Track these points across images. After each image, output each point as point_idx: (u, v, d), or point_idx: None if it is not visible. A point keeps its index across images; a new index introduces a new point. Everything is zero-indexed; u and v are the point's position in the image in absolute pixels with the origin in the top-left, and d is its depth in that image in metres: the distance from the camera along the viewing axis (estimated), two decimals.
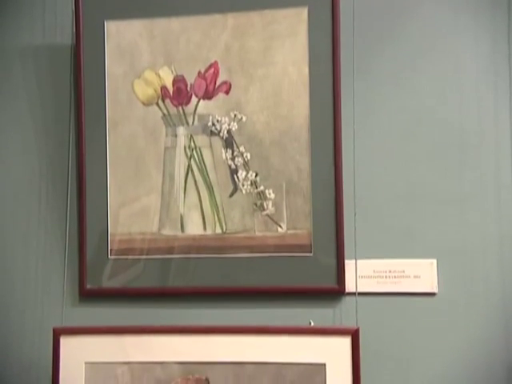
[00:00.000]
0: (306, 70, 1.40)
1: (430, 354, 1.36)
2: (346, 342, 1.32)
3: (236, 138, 1.42)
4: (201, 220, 1.44)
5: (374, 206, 1.40)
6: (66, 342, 1.39)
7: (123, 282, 1.45)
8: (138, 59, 1.46)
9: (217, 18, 1.43)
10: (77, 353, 1.38)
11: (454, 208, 1.38)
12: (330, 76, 1.39)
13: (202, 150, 1.44)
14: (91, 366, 1.38)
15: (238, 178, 1.42)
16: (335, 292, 1.39)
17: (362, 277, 1.39)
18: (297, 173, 1.40)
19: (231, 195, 1.43)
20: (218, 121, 1.43)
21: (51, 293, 1.48)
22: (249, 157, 1.42)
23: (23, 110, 1.52)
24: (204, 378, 1.35)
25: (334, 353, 1.32)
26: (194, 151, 1.44)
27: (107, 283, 1.45)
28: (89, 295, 1.46)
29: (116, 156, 1.46)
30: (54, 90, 1.51)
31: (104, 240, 1.45)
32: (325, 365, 1.32)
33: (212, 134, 1.43)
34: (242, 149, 1.42)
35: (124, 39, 1.47)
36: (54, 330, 1.39)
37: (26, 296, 1.49)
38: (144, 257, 1.44)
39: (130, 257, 1.45)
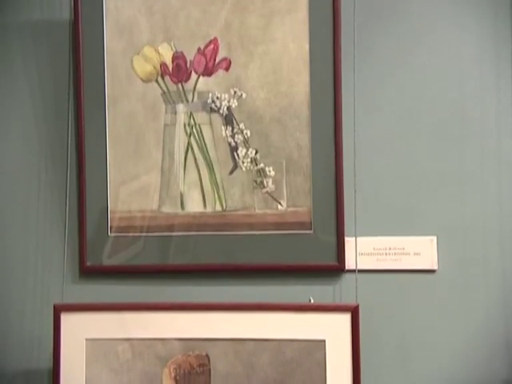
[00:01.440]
0: (307, 47, 1.39)
1: (429, 331, 1.37)
2: (345, 319, 1.32)
3: (236, 115, 1.41)
4: (201, 197, 1.44)
5: (375, 183, 1.40)
6: (66, 319, 1.39)
7: (123, 259, 1.45)
8: (137, 35, 1.45)
9: None
10: (77, 329, 1.38)
11: (454, 185, 1.38)
12: (331, 53, 1.38)
13: (201, 127, 1.44)
14: (92, 342, 1.39)
15: (237, 155, 1.42)
16: (335, 269, 1.39)
17: (361, 254, 1.39)
18: (297, 150, 1.40)
19: (231, 172, 1.43)
20: (217, 98, 1.42)
21: (51, 270, 1.48)
22: (249, 134, 1.41)
23: (21, 86, 1.51)
24: (204, 354, 1.36)
25: (334, 329, 1.32)
26: (194, 128, 1.44)
27: (107, 261, 1.45)
28: (89, 272, 1.46)
29: (115, 133, 1.45)
30: (53, 66, 1.50)
31: (104, 217, 1.45)
32: (324, 341, 1.33)
33: (212, 111, 1.43)
34: (241, 126, 1.42)
35: (123, 15, 1.45)
36: (54, 307, 1.39)
37: (26, 273, 1.50)
38: (144, 234, 1.44)
39: (130, 234, 1.45)
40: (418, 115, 1.39)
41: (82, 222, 1.46)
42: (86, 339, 1.39)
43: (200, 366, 1.36)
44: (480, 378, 1.35)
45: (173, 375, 1.36)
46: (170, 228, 1.44)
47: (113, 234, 1.45)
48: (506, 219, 1.36)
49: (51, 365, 1.38)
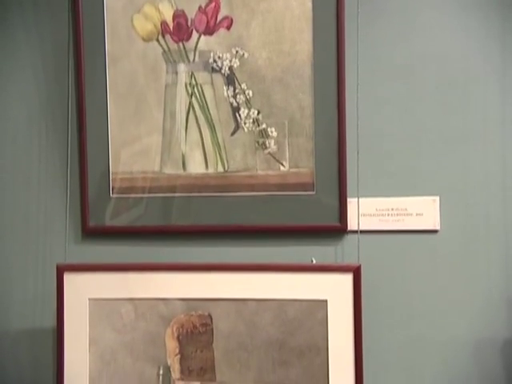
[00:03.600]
0: (309, 4, 1.37)
1: (430, 291, 1.37)
2: (347, 279, 1.33)
3: (238, 74, 1.40)
4: (202, 158, 1.43)
5: (377, 143, 1.39)
6: (69, 279, 1.40)
7: (126, 220, 1.45)
8: None
9: None
10: (80, 289, 1.40)
11: (457, 145, 1.37)
12: (334, 10, 1.36)
13: (203, 87, 1.42)
14: (95, 302, 1.40)
15: (239, 115, 1.41)
16: (337, 230, 1.39)
17: (364, 215, 1.38)
18: (299, 111, 1.39)
19: (233, 133, 1.42)
20: (219, 57, 1.40)
21: (54, 231, 1.49)
22: (251, 94, 1.40)
23: (21, 44, 1.49)
24: (207, 314, 1.37)
25: (336, 289, 1.33)
26: (195, 88, 1.42)
27: (110, 222, 1.45)
28: (91, 233, 1.46)
29: (116, 93, 1.44)
30: (53, 25, 1.47)
31: (105, 178, 1.45)
32: (326, 301, 1.33)
33: (213, 70, 1.41)
34: (243, 86, 1.40)
35: None
36: (57, 267, 1.40)
37: (28, 234, 1.50)
38: (146, 195, 1.44)
39: (132, 195, 1.44)
40: (421, 75, 1.37)
41: (84, 183, 1.45)
42: (89, 299, 1.40)
43: (202, 325, 1.37)
44: (481, 336, 1.36)
45: (175, 335, 1.37)
46: (172, 189, 1.43)
47: (115, 195, 1.45)
48: (508, 179, 1.36)
49: (55, 324, 1.40)
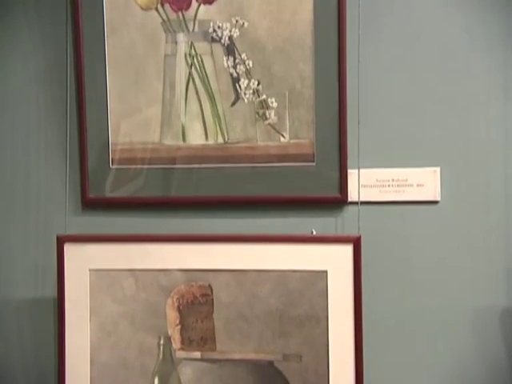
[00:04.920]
0: None
1: (430, 262, 1.38)
2: (347, 250, 1.33)
3: (238, 44, 1.38)
4: (202, 130, 1.42)
5: (378, 114, 1.38)
6: (70, 250, 1.40)
7: (126, 191, 1.45)
8: None
9: None
10: (81, 260, 1.40)
11: (458, 116, 1.36)
12: None
13: (202, 57, 1.41)
14: (95, 272, 1.40)
15: (239, 86, 1.40)
16: (338, 201, 1.39)
17: (364, 186, 1.38)
18: (300, 81, 1.38)
19: (233, 104, 1.41)
20: (219, 27, 1.39)
21: (54, 202, 1.49)
22: (251, 64, 1.39)
23: (19, 16, 1.48)
24: (207, 284, 1.37)
25: (336, 260, 1.33)
26: (195, 59, 1.41)
27: (110, 193, 1.45)
28: (91, 204, 1.46)
29: (115, 64, 1.43)
30: None
31: (105, 149, 1.44)
32: (326, 272, 1.34)
33: (213, 40, 1.40)
34: (243, 56, 1.39)
35: None
36: (57, 238, 1.40)
37: (28, 205, 1.50)
38: (146, 167, 1.43)
39: (132, 166, 1.44)
40: (422, 44, 1.36)
41: (83, 154, 1.45)
42: (90, 270, 1.40)
43: (203, 296, 1.37)
44: (480, 306, 1.36)
45: (176, 305, 1.38)
46: (172, 160, 1.43)
47: (114, 167, 1.45)
48: (510, 150, 1.35)
49: (56, 294, 1.41)
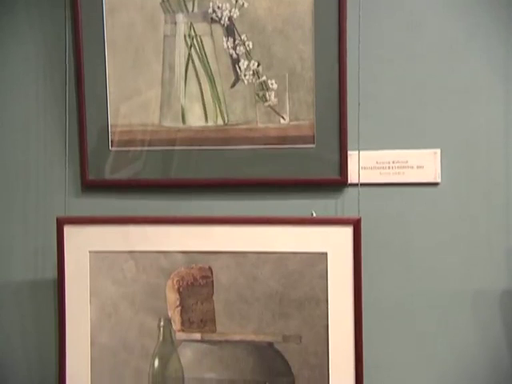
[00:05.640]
0: None
1: (430, 243, 1.37)
2: (347, 232, 1.33)
3: (237, 25, 1.37)
4: (202, 111, 1.42)
5: (378, 96, 1.37)
6: (69, 232, 1.40)
7: (126, 173, 1.44)
8: None
9: None
10: (81, 242, 1.40)
11: (459, 97, 1.35)
12: None
13: (202, 38, 1.40)
14: (95, 254, 1.40)
15: (239, 67, 1.39)
16: (338, 183, 1.38)
17: (364, 168, 1.38)
18: (300, 62, 1.37)
19: (233, 86, 1.40)
20: (218, 7, 1.38)
21: (53, 184, 1.48)
22: (251, 46, 1.38)
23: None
24: (207, 266, 1.38)
25: (336, 242, 1.33)
26: (195, 40, 1.40)
27: (110, 175, 1.45)
28: (91, 186, 1.46)
29: (114, 45, 1.42)
30: None
31: (104, 131, 1.44)
32: (326, 254, 1.34)
33: (213, 21, 1.39)
34: (243, 37, 1.38)
35: None
36: (57, 220, 1.40)
37: (27, 187, 1.50)
38: (146, 148, 1.43)
39: (131, 148, 1.43)
40: (424, 25, 1.35)
41: (83, 136, 1.44)
42: (90, 251, 1.40)
43: (203, 277, 1.38)
44: (480, 288, 1.36)
45: (176, 287, 1.38)
46: (172, 142, 1.42)
47: (114, 149, 1.44)
48: (511, 131, 1.34)
49: (56, 276, 1.41)
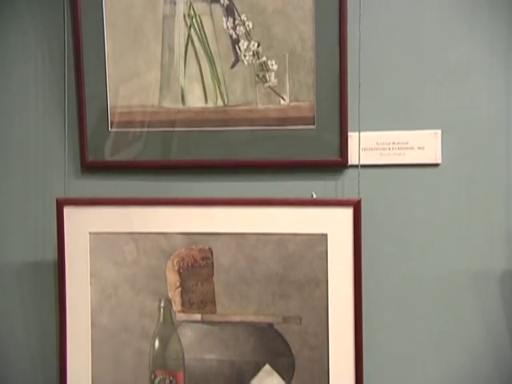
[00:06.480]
0: None
1: (431, 224, 1.37)
2: (347, 213, 1.33)
3: (237, 5, 1.36)
4: (202, 92, 1.41)
5: (379, 76, 1.37)
6: (69, 213, 1.40)
7: (125, 155, 1.44)
8: None
9: None
10: (81, 223, 1.40)
11: (460, 78, 1.35)
12: None
13: (201, 18, 1.39)
14: (95, 236, 1.40)
15: (239, 48, 1.38)
16: (338, 165, 1.38)
17: (364, 149, 1.37)
18: (300, 43, 1.36)
19: (233, 66, 1.39)
20: None
21: (53, 165, 1.48)
22: (251, 26, 1.37)
23: None
24: (207, 248, 1.38)
25: (336, 223, 1.33)
26: (194, 20, 1.39)
27: (110, 156, 1.44)
28: (91, 168, 1.45)
29: (113, 26, 1.41)
30: None
31: (104, 113, 1.43)
32: (326, 235, 1.34)
33: (212, 1, 1.37)
34: (243, 17, 1.37)
35: None
36: (57, 201, 1.40)
37: (27, 168, 1.49)
38: (146, 130, 1.42)
39: (131, 130, 1.43)
40: (425, 5, 1.34)
41: (82, 117, 1.44)
42: (90, 233, 1.40)
43: (203, 259, 1.38)
44: (480, 268, 1.36)
45: (176, 268, 1.38)
46: (172, 123, 1.42)
47: (114, 130, 1.43)
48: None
49: (56, 257, 1.41)
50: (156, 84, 1.41)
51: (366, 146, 1.37)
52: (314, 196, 1.38)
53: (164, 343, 1.40)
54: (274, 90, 1.38)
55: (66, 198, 1.42)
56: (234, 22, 1.37)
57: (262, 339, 1.37)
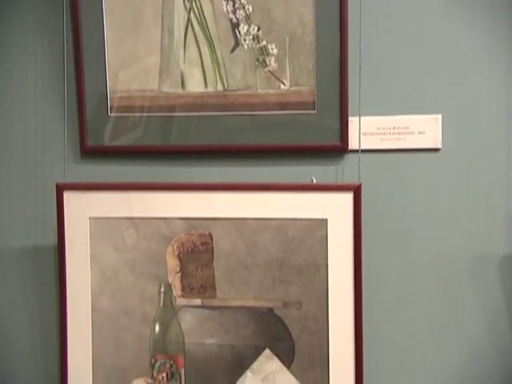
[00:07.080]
0: None
1: (431, 209, 1.37)
2: (348, 198, 1.33)
3: None
4: (202, 77, 1.40)
5: (380, 61, 1.36)
6: (69, 198, 1.40)
7: (125, 140, 1.43)
8: None
9: None
10: (80, 208, 1.40)
11: (461, 62, 1.34)
12: None
13: (201, 2, 1.38)
14: (95, 220, 1.40)
15: (239, 32, 1.37)
16: (338, 149, 1.37)
17: (365, 134, 1.37)
18: (300, 27, 1.35)
19: (232, 50, 1.38)
20: None
21: (52, 150, 1.48)
22: (250, 9, 1.36)
23: None
24: (207, 233, 1.38)
25: (336, 208, 1.33)
26: (194, 3, 1.38)
27: (109, 141, 1.44)
28: (90, 153, 1.45)
29: (112, 9, 1.40)
30: None
31: (103, 97, 1.42)
32: (326, 220, 1.34)
33: None
34: (243, 1, 1.36)
35: None
36: (57, 186, 1.40)
37: (26, 153, 1.49)
38: (145, 114, 1.42)
39: (131, 114, 1.42)
40: None
41: (81, 102, 1.43)
42: (90, 218, 1.40)
43: (203, 244, 1.38)
44: (480, 254, 1.36)
45: (176, 253, 1.38)
46: (171, 108, 1.41)
47: (113, 114, 1.43)
48: None
49: (56, 242, 1.41)
50: (156, 68, 1.41)
51: (366, 130, 1.37)
52: (314, 181, 1.38)
53: (164, 328, 1.40)
54: (274, 75, 1.37)
55: (66, 182, 1.42)
56: (233, 6, 1.36)
57: (261, 324, 1.37)
